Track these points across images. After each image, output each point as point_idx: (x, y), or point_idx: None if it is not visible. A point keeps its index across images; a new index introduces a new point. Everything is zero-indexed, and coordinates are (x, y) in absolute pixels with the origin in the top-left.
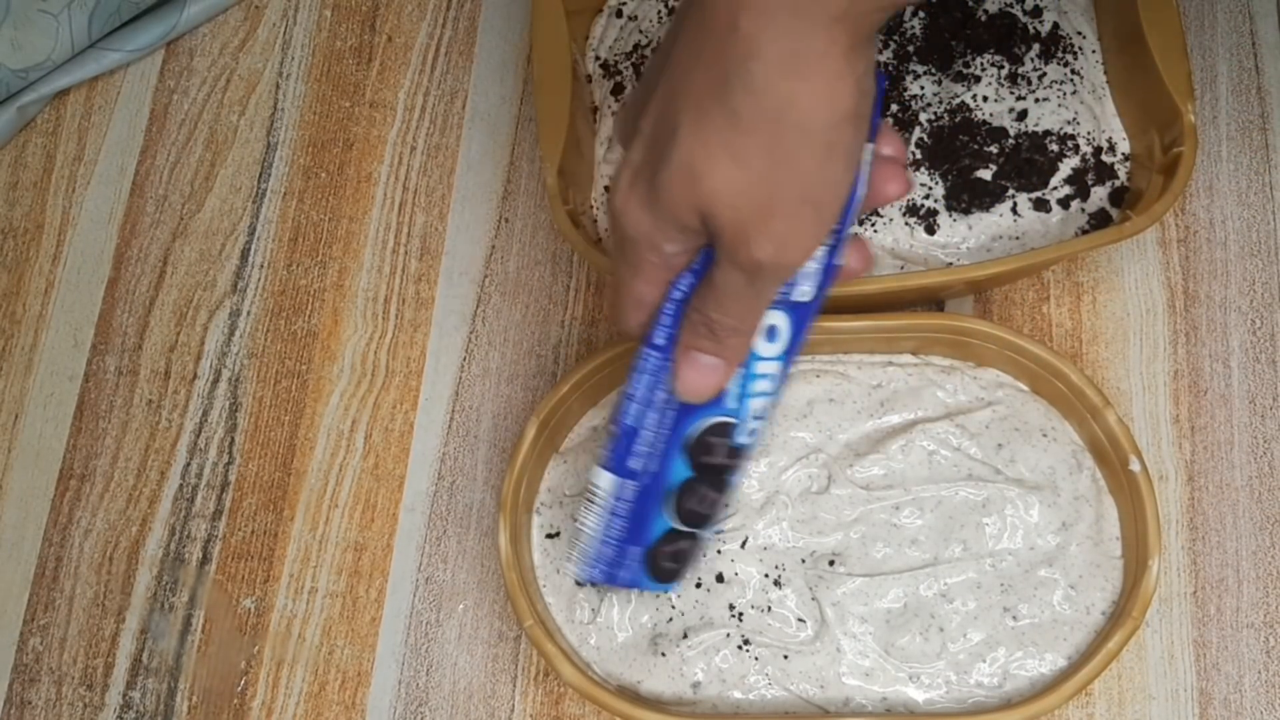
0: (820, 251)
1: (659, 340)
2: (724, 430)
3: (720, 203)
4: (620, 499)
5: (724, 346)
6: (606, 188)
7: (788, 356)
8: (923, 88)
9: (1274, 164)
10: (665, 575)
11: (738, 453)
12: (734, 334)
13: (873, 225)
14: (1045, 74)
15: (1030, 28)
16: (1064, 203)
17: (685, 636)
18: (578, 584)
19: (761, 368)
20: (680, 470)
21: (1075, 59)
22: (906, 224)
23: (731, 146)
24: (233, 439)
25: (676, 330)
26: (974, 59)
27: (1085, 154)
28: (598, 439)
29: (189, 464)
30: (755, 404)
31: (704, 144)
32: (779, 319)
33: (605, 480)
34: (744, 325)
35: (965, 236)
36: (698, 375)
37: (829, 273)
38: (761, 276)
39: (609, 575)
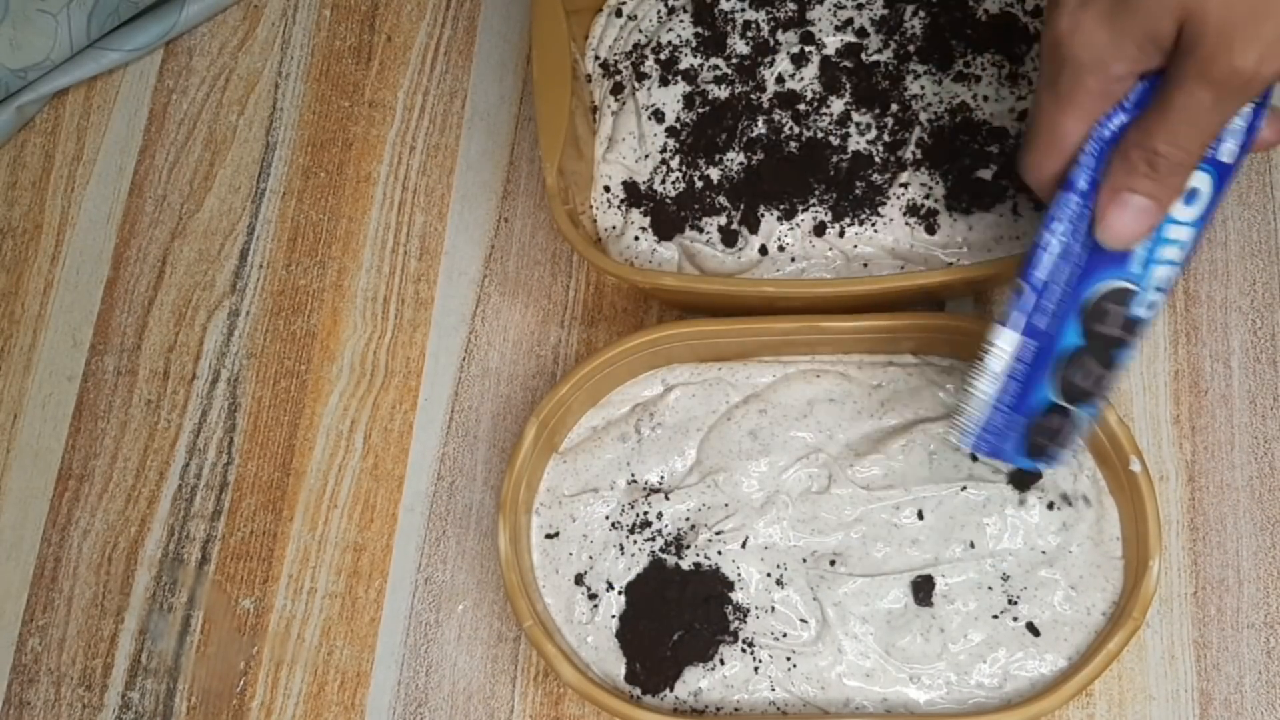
0: (1248, 107)
1: (1081, 184)
2: (1123, 298)
3: (1213, 1)
4: (1020, 361)
5: (1162, 185)
6: (606, 187)
7: (1202, 223)
8: (923, 87)
9: (1274, 164)
10: (1038, 453)
11: (1133, 326)
12: (1178, 170)
13: (873, 225)
14: None
15: (1031, 27)
16: None
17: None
18: (966, 451)
19: (1173, 232)
20: (1072, 336)
21: None
22: (907, 224)
23: None
24: (232, 439)
25: (1099, 173)
26: (974, 59)
27: None
28: (597, 439)
29: (188, 464)
30: (1159, 273)
31: None
32: (1201, 180)
33: (1009, 340)
34: (1190, 158)
35: (966, 236)
36: (1127, 218)
37: (1251, 134)
38: (1231, 91)
39: (994, 447)
